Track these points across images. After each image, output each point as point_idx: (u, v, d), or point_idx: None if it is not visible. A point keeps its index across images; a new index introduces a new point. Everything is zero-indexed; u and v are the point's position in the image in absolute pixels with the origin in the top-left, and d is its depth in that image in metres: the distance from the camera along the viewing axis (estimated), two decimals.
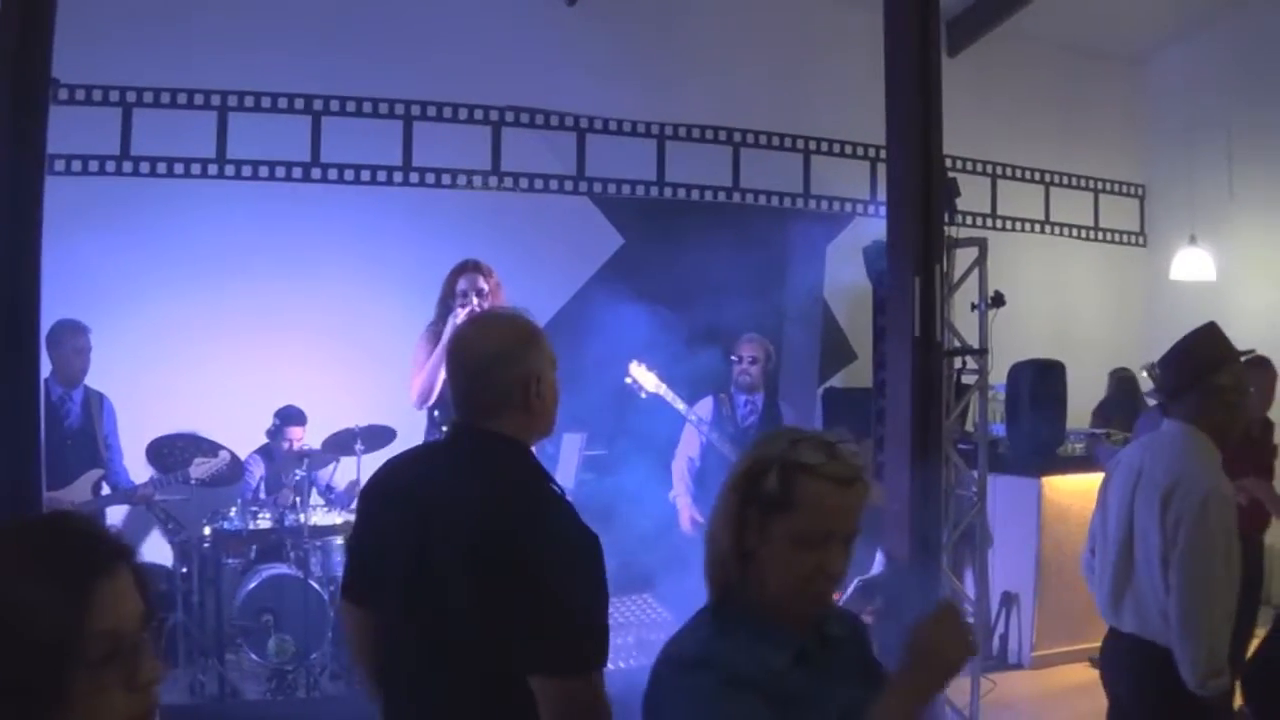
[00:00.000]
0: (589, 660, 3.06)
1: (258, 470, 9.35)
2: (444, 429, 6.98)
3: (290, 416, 9.38)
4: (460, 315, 7.37)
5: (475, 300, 7.42)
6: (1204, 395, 4.97)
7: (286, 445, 9.31)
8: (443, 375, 7.07)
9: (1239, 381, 5.05)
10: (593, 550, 3.13)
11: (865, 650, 3.05)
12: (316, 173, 10.54)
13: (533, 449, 3.46)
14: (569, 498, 3.32)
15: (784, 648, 2.74)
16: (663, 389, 8.94)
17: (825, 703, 2.74)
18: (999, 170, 13.38)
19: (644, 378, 8.89)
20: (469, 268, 7.57)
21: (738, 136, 12.08)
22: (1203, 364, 5.03)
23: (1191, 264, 12.81)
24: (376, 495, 3.52)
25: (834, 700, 2.75)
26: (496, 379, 3.32)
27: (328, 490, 9.49)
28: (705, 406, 9.22)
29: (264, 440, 9.49)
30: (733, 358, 9.37)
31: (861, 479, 2.78)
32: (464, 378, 3.40)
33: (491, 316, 3.89)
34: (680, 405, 9.02)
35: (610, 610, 3.17)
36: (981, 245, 8.33)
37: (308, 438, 9.35)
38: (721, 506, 2.85)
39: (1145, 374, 5.68)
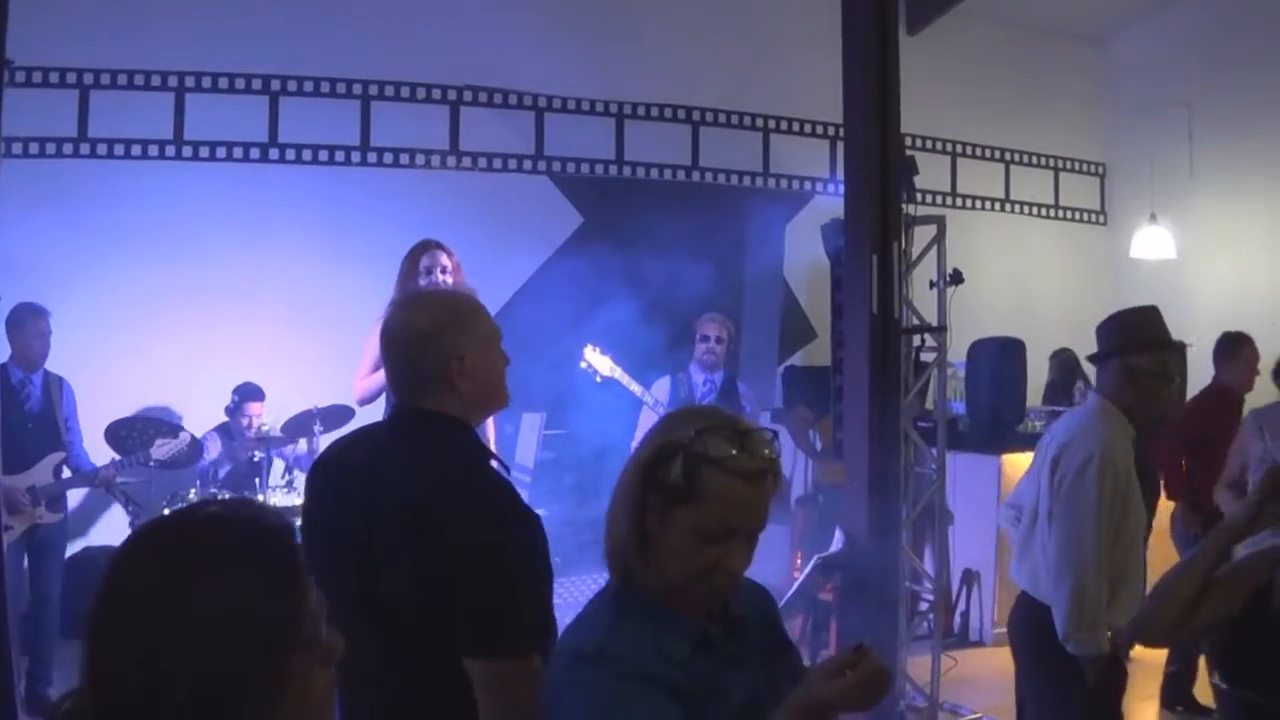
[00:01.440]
0: (519, 643, 3.00)
1: (214, 447, 9.30)
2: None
3: (249, 393, 9.34)
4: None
5: (440, 276, 7.39)
6: (1122, 373, 5.15)
7: (246, 421, 9.27)
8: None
9: (1160, 369, 5.17)
10: (524, 528, 3.10)
11: (774, 628, 2.94)
12: (274, 153, 10.51)
13: (483, 426, 3.43)
14: (519, 476, 3.29)
15: (685, 636, 2.62)
16: (618, 372, 8.92)
17: (728, 690, 2.63)
18: (958, 148, 13.42)
19: (598, 362, 8.88)
20: (430, 246, 7.53)
21: (696, 115, 12.07)
22: (1128, 341, 5.20)
23: (1152, 242, 12.85)
24: (322, 478, 3.50)
25: (738, 686, 2.65)
26: (419, 359, 3.29)
27: (297, 462, 9.42)
28: (663, 387, 9.20)
29: (224, 419, 9.47)
30: (697, 336, 9.36)
31: (773, 471, 2.62)
32: (390, 359, 3.40)
33: (419, 297, 3.85)
34: (636, 388, 9.01)
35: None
36: (940, 223, 8.34)
37: (267, 416, 9.33)
38: (622, 489, 2.70)
39: None
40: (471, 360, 3.30)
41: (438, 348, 3.28)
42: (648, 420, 9.00)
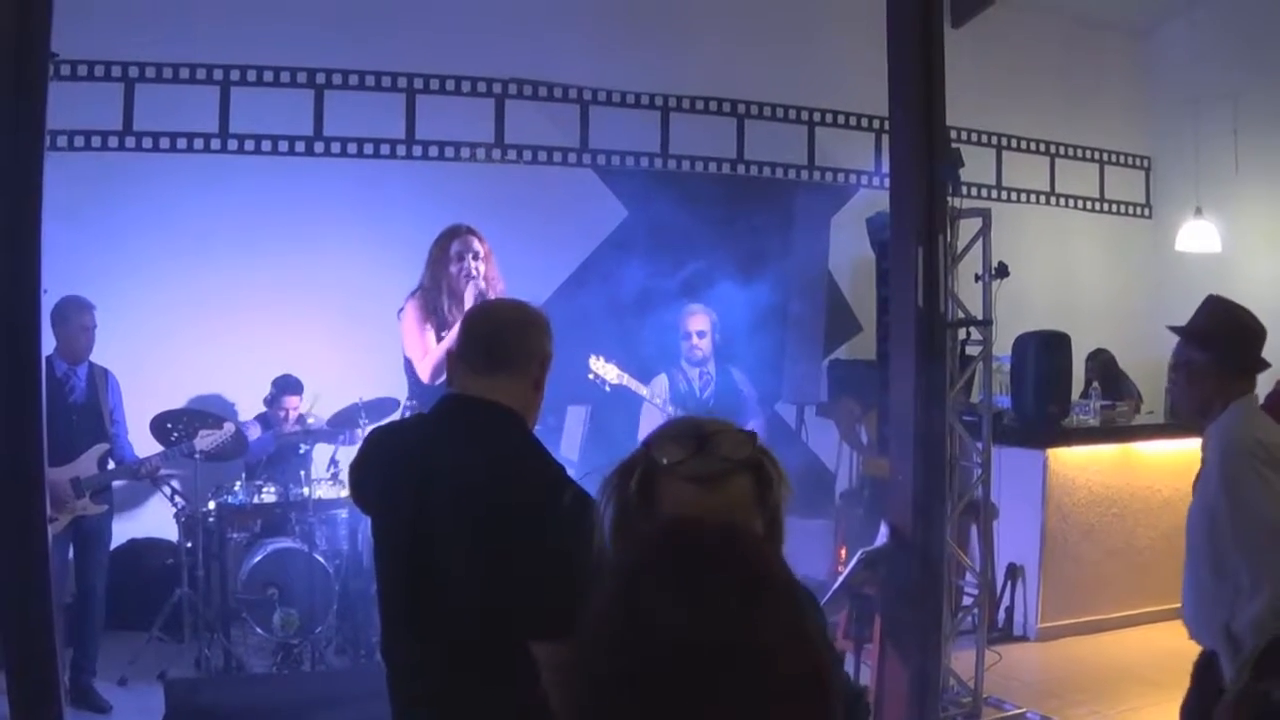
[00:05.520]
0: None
1: (254, 432, 9.33)
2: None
3: (287, 385, 9.44)
4: (457, 278, 7.36)
5: (472, 262, 7.37)
6: None
7: (283, 414, 9.37)
8: None
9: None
10: (581, 510, 2.99)
11: None
12: (319, 146, 10.52)
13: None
14: (568, 469, 3.29)
15: None
16: (625, 378, 8.96)
17: None
18: (1004, 141, 13.35)
19: (604, 370, 8.91)
20: (462, 231, 7.50)
21: (741, 108, 12.05)
22: None
23: (1197, 235, 12.77)
24: (368, 467, 3.53)
25: None
26: (513, 343, 3.36)
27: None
28: (661, 385, 9.18)
29: (263, 409, 9.53)
30: (682, 334, 9.31)
31: (735, 474, 2.52)
32: (479, 339, 3.42)
33: (516, 300, 3.89)
34: (644, 391, 9.02)
35: None
36: (985, 216, 8.29)
37: (313, 408, 9.39)
38: (602, 510, 2.59)
39: None
40: (545, 366, 3.42)
41: (531, 339, 3.39)
42: (649, 416, 8.96)
